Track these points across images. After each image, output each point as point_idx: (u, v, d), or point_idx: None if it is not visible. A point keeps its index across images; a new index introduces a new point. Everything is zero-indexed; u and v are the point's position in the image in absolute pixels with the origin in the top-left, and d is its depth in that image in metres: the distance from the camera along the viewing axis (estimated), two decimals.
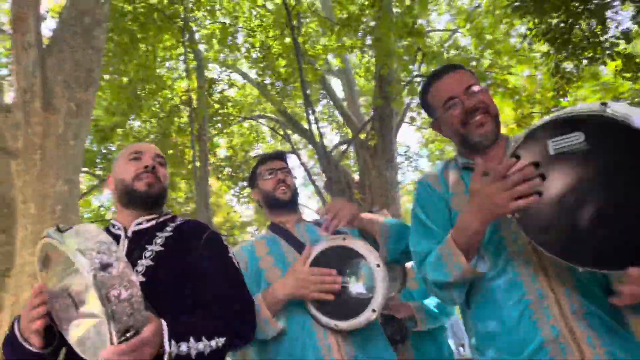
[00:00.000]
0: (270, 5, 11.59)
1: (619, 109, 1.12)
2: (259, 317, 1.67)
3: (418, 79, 9.71)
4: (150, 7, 8.60)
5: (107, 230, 1.68)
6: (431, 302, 2.62)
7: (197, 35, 10.93)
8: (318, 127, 8.32)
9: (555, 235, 1.18)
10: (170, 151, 9.36)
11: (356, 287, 1.62)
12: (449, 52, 9.10)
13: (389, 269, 1.75)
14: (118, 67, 9.00)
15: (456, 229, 1.38)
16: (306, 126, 12.06)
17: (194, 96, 8.83)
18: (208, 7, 10.82)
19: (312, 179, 11.55)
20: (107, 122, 10.18)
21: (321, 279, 1.66)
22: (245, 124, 13.96)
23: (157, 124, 9.79)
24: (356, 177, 12.01)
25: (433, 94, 1.64)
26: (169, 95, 9.80)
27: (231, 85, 11.69)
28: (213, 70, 11.88)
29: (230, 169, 11.56)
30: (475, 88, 1.54)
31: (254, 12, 11.15)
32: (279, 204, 2.07)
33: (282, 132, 14.16)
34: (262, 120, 14.22)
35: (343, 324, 1.61)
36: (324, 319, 1.65)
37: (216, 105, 11.05)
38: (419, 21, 8.77)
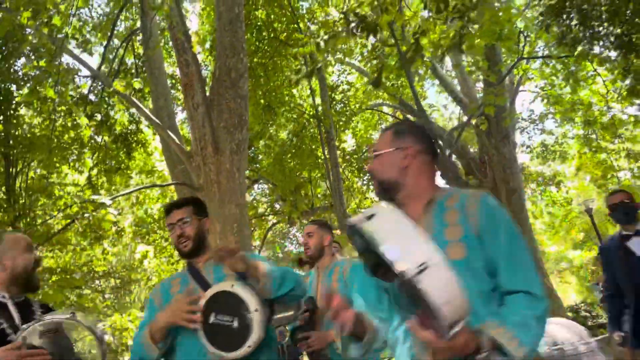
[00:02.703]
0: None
1: (373, 225, 1.30)
2: (144, 342, 2.15)
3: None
4: (277, 40, 10.22)
5: None
6: None
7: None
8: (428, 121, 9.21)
9: None
10: (307, 157, 11.11)
11: (238, 326, 2.00)
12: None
13: (284, 304, 2.31)
14: (254, 92, 10.80)
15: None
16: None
17: (320, 109, 10.35)
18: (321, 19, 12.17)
19: None
20: (251, 132, 12.20)
21: (187, 308, 2.06)
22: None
23: (294, 134, 11.58)
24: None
25: None
26: (301, 110, 11.49)
27: (349, 84, 13.03)
28: (332, 75, 13.28)
29: (356, 162, 12.98)
30: None
31: None
32: (184, 256, 2.36)
33: (401, 116, 15.20)
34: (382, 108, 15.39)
35: (225, 355, 2.02)
36: (212, 348, 2.04)
37: (339, 106, 12.49)
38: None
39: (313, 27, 12.72)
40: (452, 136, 11.65)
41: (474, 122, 10.35)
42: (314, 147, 11.26)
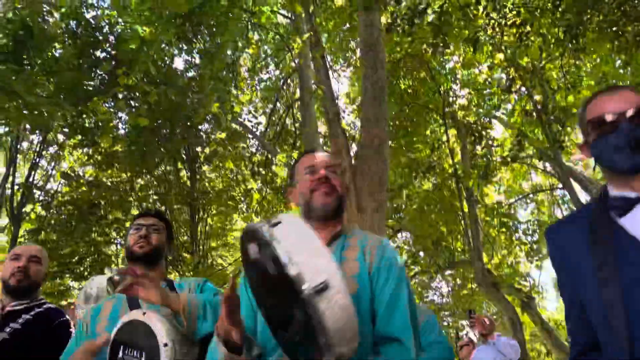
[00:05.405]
0: None
1: (278, 232, 1.17)
2: None
3: None
4: (417, 105, 11.12)
5: None
6: None
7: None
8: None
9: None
10: (447, 210, 11.64)
11: None
12: None
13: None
14: (396, 153, 11.70)
15: None
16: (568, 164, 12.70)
17: (459, 167, 10.87)
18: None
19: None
20: (394, 185, 13.09)
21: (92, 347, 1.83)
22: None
23: (434, 187, 12.25)
24: None
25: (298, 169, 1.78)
26: (440, 168, 12.15)
27: (492, 139, 13.29)
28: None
29: (499, 216, 13.01)
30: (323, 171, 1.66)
31: None
32: (133, 257, 2.09)
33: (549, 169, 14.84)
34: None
35: None
36: None
37: (481, 160, 12.80)
38: None
39: (455, 87, 13.39)
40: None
41: None
42: (454, 202, 11.72)
